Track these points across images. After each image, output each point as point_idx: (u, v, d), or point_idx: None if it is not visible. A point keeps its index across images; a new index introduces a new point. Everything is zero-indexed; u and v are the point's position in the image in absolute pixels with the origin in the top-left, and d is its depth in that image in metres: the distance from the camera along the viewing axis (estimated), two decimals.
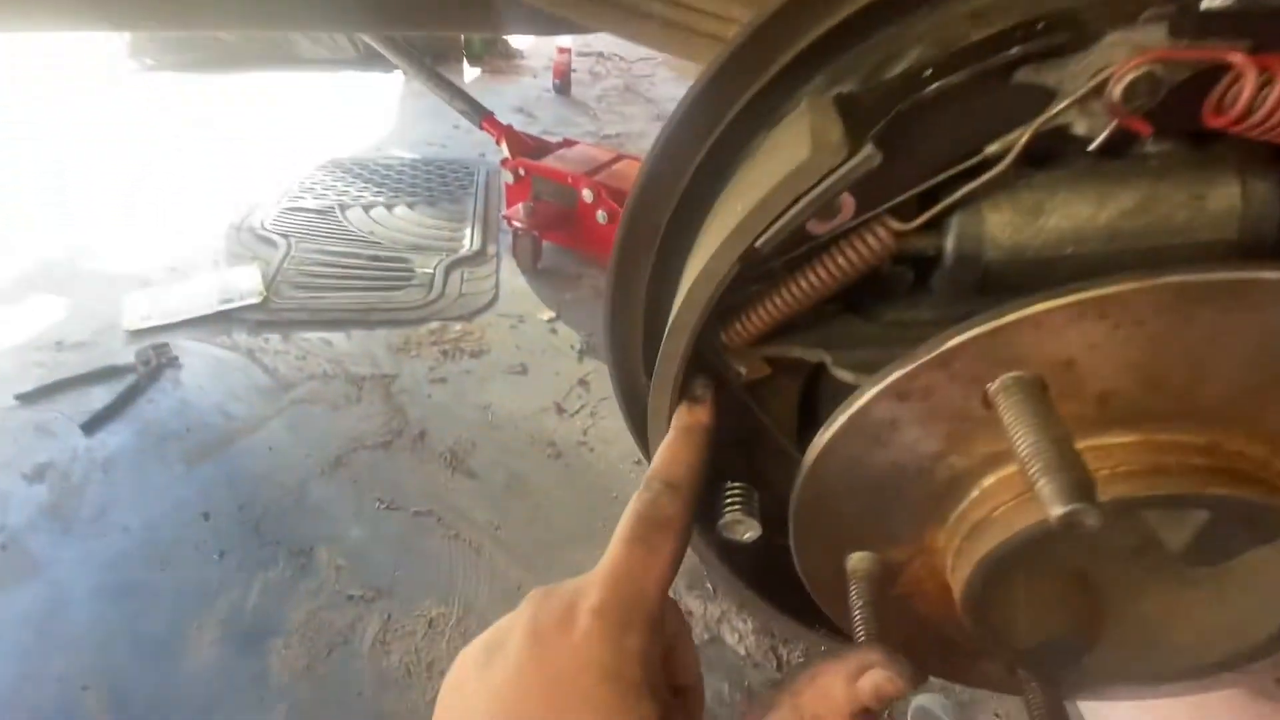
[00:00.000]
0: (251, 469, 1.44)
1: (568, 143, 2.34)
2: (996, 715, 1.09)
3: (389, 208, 2.48)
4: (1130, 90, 0.29)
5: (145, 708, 1.05)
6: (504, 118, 2.25)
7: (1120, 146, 0.33)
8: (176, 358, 1.73)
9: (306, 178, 2.64)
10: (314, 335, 1.83)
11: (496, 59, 4.34)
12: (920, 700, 0.99)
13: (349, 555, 1.28)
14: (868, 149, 0.30)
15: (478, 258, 2.22)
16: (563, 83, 3.81)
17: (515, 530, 1.35)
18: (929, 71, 0.34)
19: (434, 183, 2.68)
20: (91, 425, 1.52)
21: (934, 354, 0.30)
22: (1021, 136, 0.32)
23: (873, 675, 0.28)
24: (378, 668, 1.12)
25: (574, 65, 3.87)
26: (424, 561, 1.28)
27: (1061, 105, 0.31)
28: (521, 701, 0.26)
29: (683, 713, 0.29)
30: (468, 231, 2.35)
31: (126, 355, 1.72)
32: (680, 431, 0.36)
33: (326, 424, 1.56)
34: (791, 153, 0.35)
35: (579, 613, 0.28)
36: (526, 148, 2.23)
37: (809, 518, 0.38)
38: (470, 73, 4.18)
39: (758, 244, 0.35)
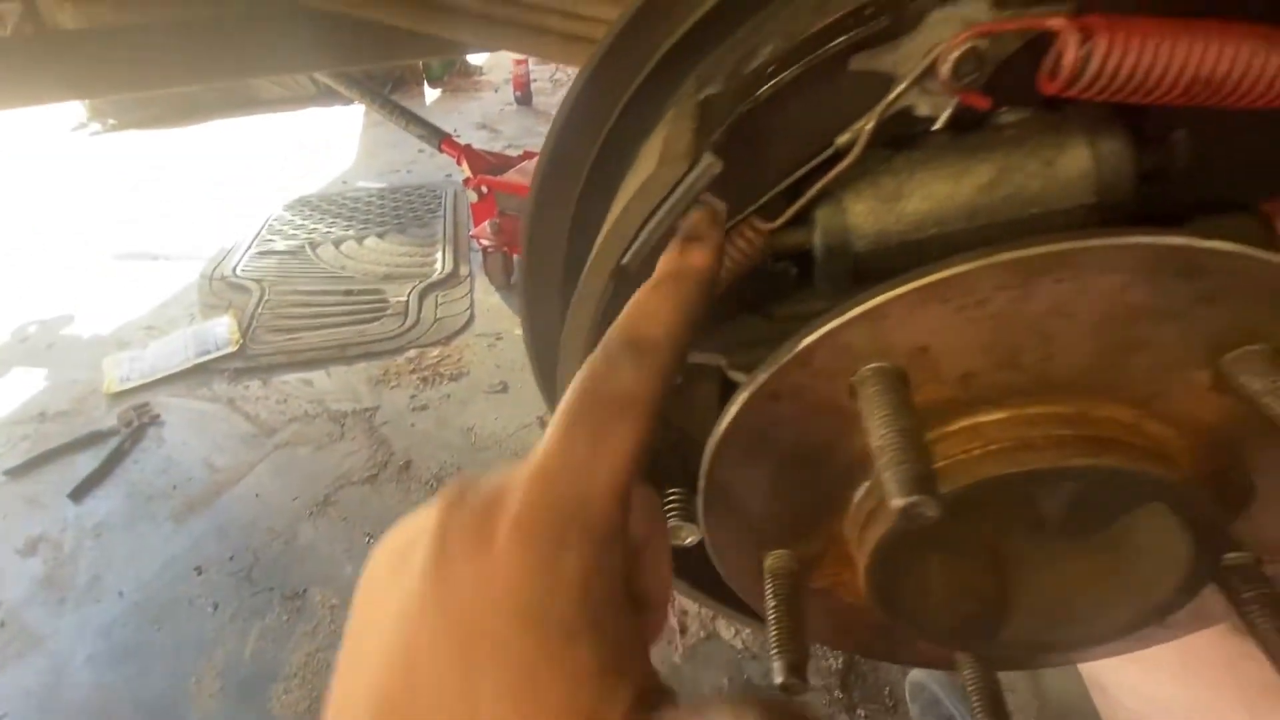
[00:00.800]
0: (240, 518, 1.44)
1: (528, 155, 2.34)
2: None
3: (359, 240, 2.48)
4: (958, 67, 0.29)
5: None
6: (467, 135, 2.26)
7: (979, 119, 0.33)
8: (158, 415, 1.73)
9: (275, 219, 2.65)
10: (293, 377, 1.83)
11: (456, 78, 4.34)
12: (915, 675, 0.99)
13: (343, 594, 1.28)
14: (706, 158, 0.30)
15: (450, 280, 2.22)
16: (523, 94, 3.81)
17: None
18: (772, 67, 0.33)
19: (402, 209, 2.68)
20: (79, 493, 1.53)
21: (791, 355, 0.29)
22: (865, 125, 0.32)
23: None
24: None
25: (533, 75, 3.87)
26: None
27: (898, 90, 0.31)
28: (422, 649, 0.20)
29: (638, 639, 0.22)
30: (438, 255, 2.35)
31: (109, 419, 1.73)
32: (664, 278, 0.26)
33: (311, 465, 1.56)
34: (646, 165, 0.35)
35: (496, 526, 0.20)
36: (487, 164, 2.23)
37: (717, 523, 0.38)
38: (431, 94, 4.17)
39: (624, 261, 0.34)
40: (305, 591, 1.29)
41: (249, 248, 2.46)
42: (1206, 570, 0.31)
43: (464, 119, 3.59)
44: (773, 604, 0.37)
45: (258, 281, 2.24)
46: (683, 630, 1.20)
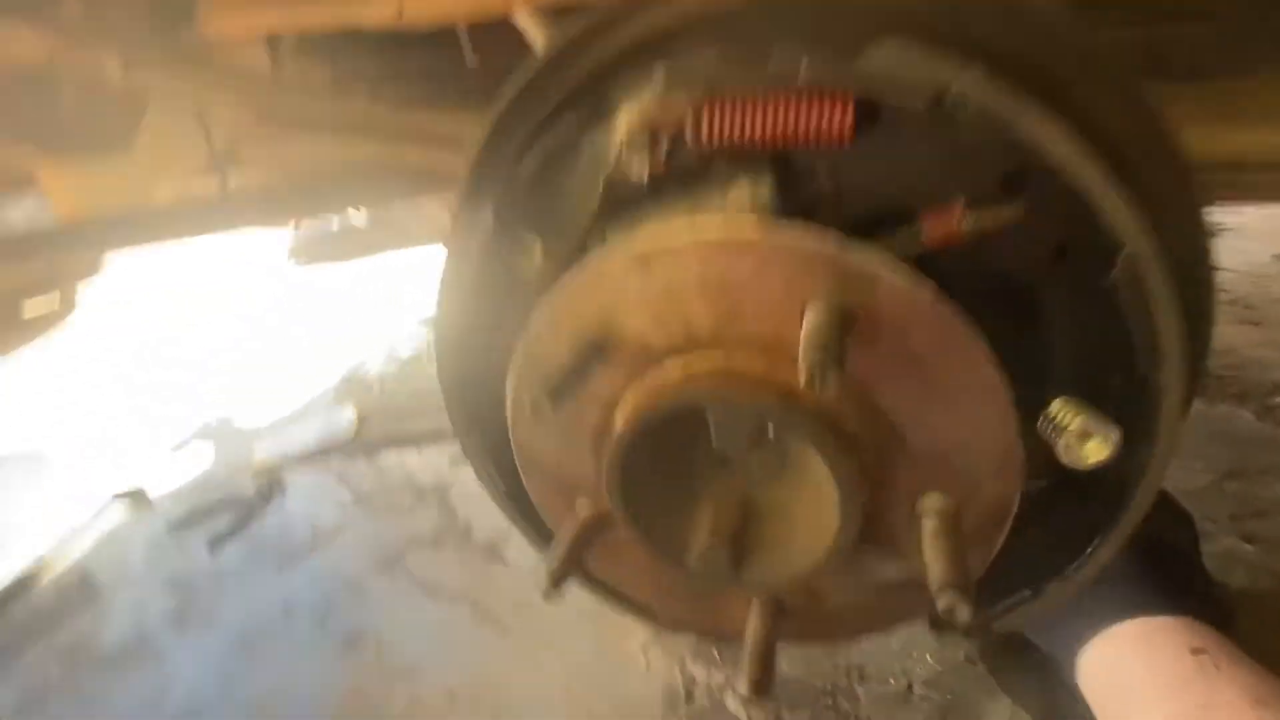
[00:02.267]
0: (326, 570, 1.68)
1: None
2: None
3: None
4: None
5: None
6: None
7: (705, 170, 0.47)
8: (285, 486, 2.08)
9: (401, 333, 3.14)
10: (393, 456, 2.13)
11: None
12: None
13: (395, 636, 1.44)
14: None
15: None
16: None
17: (543, 610, 1.45)
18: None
19: None
20: (214, 544, 1.85)
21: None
22: (598, 188, 0.48)
23: None
24: None
25: None
26: (455, 643, 1.41)
27: (610, 165, 0.47)
28: None
29: None
30: None
31: (250, 488, 2.10)
32: None
33: (391, 528, 1.79)
34: None
35: None
36: None
37: (529, 468, 0.51)
38: None
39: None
40: (362, 634, 1.46)
41: (377, 356, 2.93)
42: (856, 496, 0.39)
43: None
44: (560, 539, 0.49)
45: (379, 380, 2.65)
46: (689, 698, 1.21)
